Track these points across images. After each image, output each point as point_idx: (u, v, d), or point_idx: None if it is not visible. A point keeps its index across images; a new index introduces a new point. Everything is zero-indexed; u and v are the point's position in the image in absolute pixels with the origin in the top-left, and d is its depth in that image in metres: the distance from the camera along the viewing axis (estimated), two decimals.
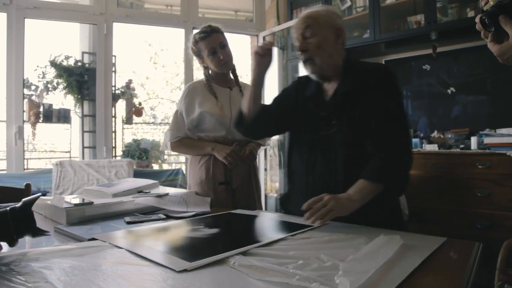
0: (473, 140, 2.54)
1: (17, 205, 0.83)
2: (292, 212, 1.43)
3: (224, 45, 1.83)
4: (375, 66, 1.42)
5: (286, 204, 1.54)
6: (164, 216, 1.32)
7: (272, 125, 1.55)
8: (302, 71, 4.16)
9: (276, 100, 1.60)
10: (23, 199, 0.84)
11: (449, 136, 2.75)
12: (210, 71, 1.90)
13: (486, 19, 0.77)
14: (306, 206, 1.14)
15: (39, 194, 0.88)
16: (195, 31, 1.92)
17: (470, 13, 2.76)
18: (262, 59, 1.40)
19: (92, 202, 1.33)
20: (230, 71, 1.92)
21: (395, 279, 0.70)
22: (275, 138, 4.04)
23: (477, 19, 0.80)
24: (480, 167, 2.34)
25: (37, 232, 0.85)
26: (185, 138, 1.84)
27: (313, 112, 1.42)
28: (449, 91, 3.02)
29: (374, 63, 1.47)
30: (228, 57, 1.84)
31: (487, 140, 2.41)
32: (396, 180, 1.28)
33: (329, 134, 1.34)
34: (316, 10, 1.42)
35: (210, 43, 1.80)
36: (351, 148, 1.29)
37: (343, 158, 1.30)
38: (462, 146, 2.62)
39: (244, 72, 4.93)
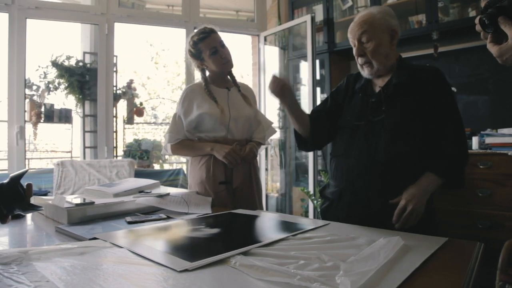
0: (475, 140, 2.53)
1: (4, 181, 0.83)
2: (328, 197, 1.52)
3: (223, 44, 1.85)
4: (430, 66, 1.48)
5: (324, 191, 1.58)
6: (165, 216, 1.32)
7: (330, 128, 1.59)
8: (304, 70, 4.13)
9: (329, 101, 1.64)
10: (10, 175, 0.84)
11: None
12: (207, 73, 1.90)
13: (485, 20, 0.79)
14: (395, 219, 1.25)
15: (26, 169, 0.88)
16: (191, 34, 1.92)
17: (472, 13, 2.76)
18: (281, 93, 1.44)
19: (93, 202, 1.33)
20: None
21: (396, 279, 0.70)
22: (276, 137, 4.04)
23: (476, 21, 0.82)
24: (481, 167, 2.33)
25: (27, 207, 0.84)
26: (184, 140, 1.84)
27: (362, 100, 1.48)
28: None
29: (428, 65, 1.53)
30: (229, 55, 1.86)
31: (488, 140, 2.41)
32: (460, 175, 1.37)
33: (376, 120, 1.39)
34: (371, 12, 1.44)
35: (210, 43, 1.81)
36: (396, 134, 1.34)
37: (385, 143, 1.35)
38: None
39: (246, 72, 4.93)
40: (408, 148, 1.33)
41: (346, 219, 1.31)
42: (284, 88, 1.42)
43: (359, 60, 1.45)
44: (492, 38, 0.80)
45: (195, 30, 1.89)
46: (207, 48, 1.81)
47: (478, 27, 0.82)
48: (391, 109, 1.38)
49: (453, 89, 1.56)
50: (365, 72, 1.47)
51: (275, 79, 1.42)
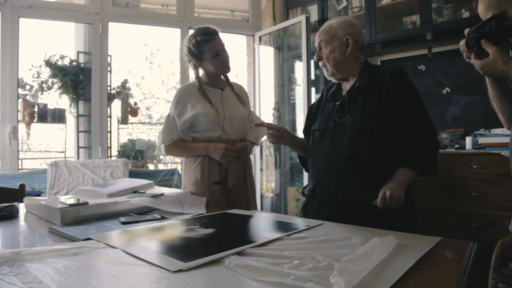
0: (468, 140, 2.55)
1: None
2: (306, 195, 1.64)
3: (224, 49, 1.84)
4: (389, 67, 1.58)
5: (304, 190, 1.69)
6: (159, 216, 1.31)
7: None
8: (298, 70, 4.15)
9: (310, 116, 1.79)
10: None
11: (444, 136, 2.76)
12: (201, 72, 1.89)
13: (470, 42, 1.07)
14: (379, 205, 1.35)
15: None
16: (191, 31, 1.91)
17: (465, 14, 2.77)
18: (279, 140, 1.63)
19: (87, 202, 1.32)
20: None
21: (390, 279, 0.70)
22: None
23: (461, 43, 1.10)
24: (474, 167, 2.35)
25: None
26: (178, 141, 1.83)
27: (331, 105, 1.64)
28: (444, 91, 3.03)
29: (389, 65, 1.62)
30: (228, 60, 1.86)
31: (481, 140, 2.42)
32: (432, 163, 1.48)
33: (341, 121, 1.53)
34: (330, 23, 1.62)
35: (214, 46, 1.80)
36: (357, 131, 1.46)
37: (348, 139, 1.47)
38: (457, 146, 2.63)
39: (240, 72, 4.92)
40: (369, 142, 1.44)
41: (319, 211, 1.51)
42: (281, 138, 1.63)
43: (320, 64, 1.64)
44: (475, 55, 1.08)
45: (196, 28, 1.85)
46: (209, 51, 1.80)
47: (463, 48, 1.10)
48: (353, 109, 1.52)
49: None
50: (325, 74, 1.65)
51: (270, 134, 1.61)
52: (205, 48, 1.80)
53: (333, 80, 1.67)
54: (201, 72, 1.90)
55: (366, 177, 1.43)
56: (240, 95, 1.93)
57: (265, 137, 2.17)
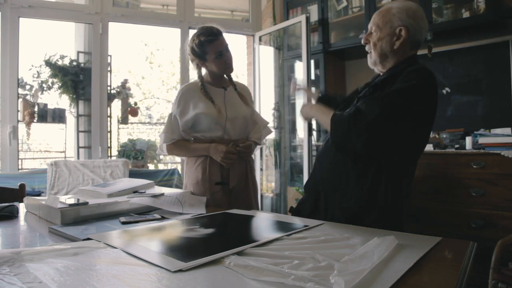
0: (468, 140, 2.55)
1: None
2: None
3: (228, 49, 1.82)
4: (416, 66, 1.40)
5: None
6: (159, 216, 1.31)
7: None
8: (299, 70, 4.14)
9: None
10: None
11: (444, 136, 2.76)
12: (204, 71, 1.89)
13: None
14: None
15: None
16: (192, 31, 1.90)
17: (465, 14, 2.77)
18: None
19: (87, 202, 1.32)
20: None
21: (389, 279, 0.70)
22: (271, 137, 4.05)
23: None
24: (474, 167, 2.35)
25: None
26: (180, 140, 1.83)
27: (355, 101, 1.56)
28: (444, 91, 3.03)
29: (421, 64, 1.43)
30: (232, 60, 1.84)
31: (481, 140, 2.42)
32: (340, 130, 1.31)
33: None
34: (390, 6, 1.42)
35: (218, 47, 1.78)
36: None
37: None
38: (457, 146, 2.63)
39: (240, 72, 4.93)
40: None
41: (303, 203, 1.55)
42: None
43: (366, 48, 1.49)
44: None
45: (200, 27, 1.82)
46: (213, 51, 1.78)
47: None
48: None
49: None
50: (368, 61, 1.51)
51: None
52: (208, 48, 1.78)
53: (375, 70, 1.52)
54: (203, 71, 1.89)
55: (349, 172, 1.36)
56: (243, 95, 1.92)
57: (268, 137, 2.16)
